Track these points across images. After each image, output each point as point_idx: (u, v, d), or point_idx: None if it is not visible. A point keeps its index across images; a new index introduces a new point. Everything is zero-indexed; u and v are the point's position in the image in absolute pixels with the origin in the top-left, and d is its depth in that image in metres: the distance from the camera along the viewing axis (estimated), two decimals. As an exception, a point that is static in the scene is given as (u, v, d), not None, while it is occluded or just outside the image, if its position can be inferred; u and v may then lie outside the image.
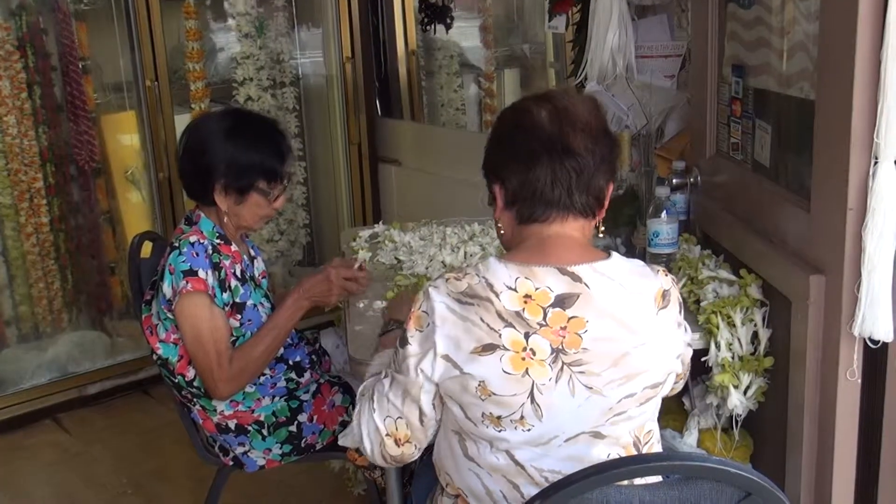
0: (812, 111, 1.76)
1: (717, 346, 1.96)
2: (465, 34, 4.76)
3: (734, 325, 1.96)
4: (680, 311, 1.59)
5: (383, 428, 1.58)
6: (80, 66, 3.82)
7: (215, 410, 2.32)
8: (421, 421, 1.56)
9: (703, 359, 1.99)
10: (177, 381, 2.28)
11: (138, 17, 3.65)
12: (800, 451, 1.85)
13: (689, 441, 2.11)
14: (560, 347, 1.45)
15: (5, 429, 3.64)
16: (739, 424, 2.03)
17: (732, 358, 1.96)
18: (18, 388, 3.75)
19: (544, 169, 1.48)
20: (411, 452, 1.61)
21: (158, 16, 3.69)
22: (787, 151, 1.99)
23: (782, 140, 2.00)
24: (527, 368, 1.44)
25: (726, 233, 2.20)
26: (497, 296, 1.46)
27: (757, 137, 2.09)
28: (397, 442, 1.59)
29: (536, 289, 1.47)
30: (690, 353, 1.74)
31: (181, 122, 3.86)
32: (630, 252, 2.38)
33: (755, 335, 1.97)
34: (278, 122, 2.49)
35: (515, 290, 1.46)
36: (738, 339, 1.96)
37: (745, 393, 1.97)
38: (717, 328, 1.96)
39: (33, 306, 3.86)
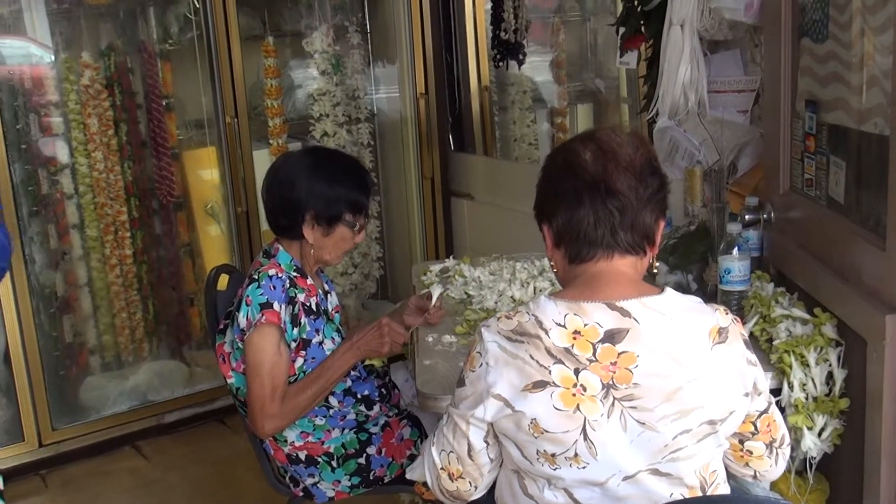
0: (887, 147, 1.73)
1: (791, 387, 1.92)
2: (537, 69, 4.79)
3: (808, 365, 1.92)
4: (748, 348, 1.56)
5: (438, 461, 1.62)
6: (164, 103, 3.97)
7: (286, 441, 2.36)
8: (470, 455, 1.58)
9: (775, 399, 1.95)
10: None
11: (220, 57, 3.77)
12: (877, 497, 1.79)
13: (762, 484, 2.07)
14: (611, 383, 1.45)
15: (87, 454, 3.76)
16: (814, 467, 1.98)
17: (806, 398, 1.92)
18: (100, 414, 3.87)
19: (586, 209, 1.51)
20: (466, 489, 1.62)
21: (239, 55, 3.80)
22: (862, 188, 1.95)
23: (857, 176, 1.97)
24: (578, 404, 1.45)
25: (800, 270, 2.16)
26: (546, 332, 1.47)
27: (831, 173, 2.05)
28: (451, 476, 1.62)
29: (585, 325, 1.47)
30: (762, 404, 1.65)
31: (259, 157, 3.97)
32: (701, 289, 2.36)
33: (830, 375, 1.93)
34: (359, 159, 2.55)
35: (564, 326, 1.48)
36: (812, 380, 1.92)
37: (819, 435, 1.92)
38: (790, 367, 1.92)
39: (116, 336, 3.99)
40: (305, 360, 2.30)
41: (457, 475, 1.61)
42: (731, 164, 2.62)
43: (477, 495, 1.64)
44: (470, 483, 1.62)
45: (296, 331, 2.26)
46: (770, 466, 1.70)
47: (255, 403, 2.24)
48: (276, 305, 2.21)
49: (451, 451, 1.60)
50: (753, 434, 1.65)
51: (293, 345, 2.27)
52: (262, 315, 2.19)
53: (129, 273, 3.95)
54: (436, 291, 2.38)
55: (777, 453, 1.70)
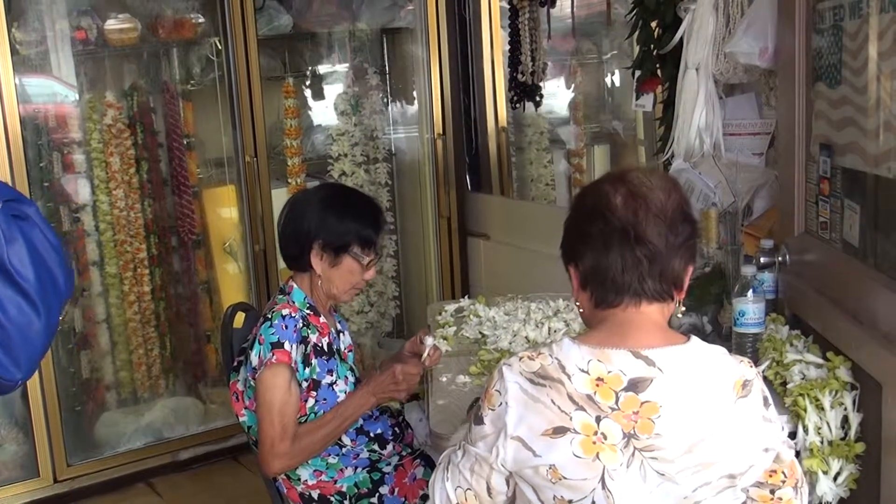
0: (901, 191, 1.73)
1: (805, 430, 1.91)
2: (555, 110, 4.82)
3: (823, 409, 1.90)
4: (766, 405, 1.55)
5: (454, 497, 1.59)
6: (185, 142, 4.01)
7: (299, 480, 2.36)
8: (489, 493, 1.57)
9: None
10: (262, 449, 2.34)
11: (241, 97, 3.82)
12: (894, 543, 1.77)
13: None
14: (632, 432, 1.44)
15: (101, 491, 3.75)
16: (830, 513, 1.96)
17: (821, 442, 1.90)
18: (115, 451, 3.87)
19: (615, 256, 1.48)
20: None
21: (259, 95, 3.85)
22: (877, 232, 1.95)
23: (872, 220, 1.97)
24: (598, 453, 1.44)
25: (815, 313, 2.15)
26: (569, 378, 1.46)
27: (845, 217, 2.05)
28: None
29: (609, 372, 1.46)
30: (789, 454, 1.65)
31: (278, 196, 4.01)
32: (716, 331, 2.35)
33: (845, 419, 1.91)
34: (376, 197, 2.59)
35: (588, 372, 1.46)
36: (828, 423, 1.90)
37: (835, 479, 1.90)
38: (805, 411, 1.91)
39: (133, 372, 4.00)
40: (317, 401, 2.31)
41: None
42: (747, 206, 2.62)
43: None
44: None
45: (307, 371, 2.27)
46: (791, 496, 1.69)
47: (265, 442, 2.25)
48: (287, 345, 2.23)
49: (469, 489, 1.57)
50: (784, 482, 1.63)
51: (304, 384, 2.28)
52: (273, 354, 2.21)
53: (147, 310, 3.98)
54: (428, 343, 2.39)
55: (801, 493, 1.69)
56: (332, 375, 2.34)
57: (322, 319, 2.37)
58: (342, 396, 2.34)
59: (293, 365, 2.23)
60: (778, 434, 1.59)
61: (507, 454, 1.50)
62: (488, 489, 1.56)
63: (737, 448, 1.49)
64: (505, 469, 1.53)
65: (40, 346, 1.62)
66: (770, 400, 1.57)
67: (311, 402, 2.30)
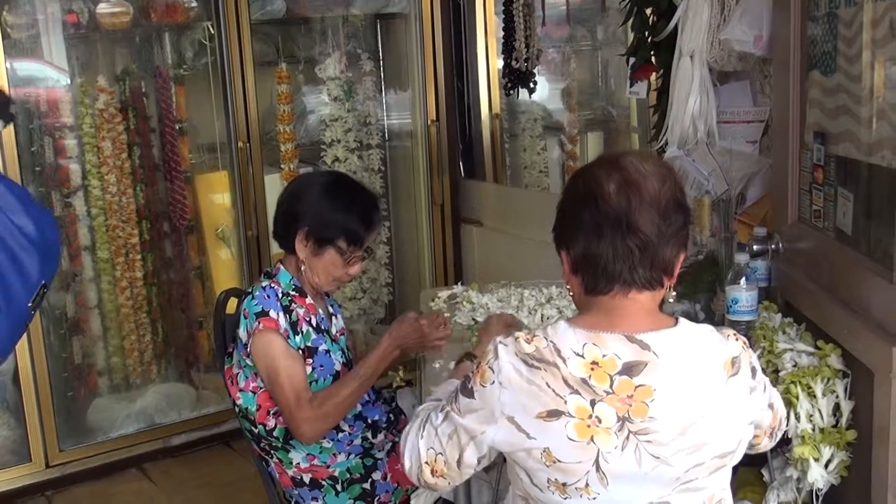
0: (895, 180, 1.73)
1: (797, 418, 1.91)
2: (548, 97, 4.81)
3: (814, 396, 1.91)
4: (753, 376, 1.56)
5: (424, 455, 1.59)
6: (178, 127, 4.00)
7: (291, 464, 2.37)
8: (458, 465, 1.57)
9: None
10: (257, 431, 2.33)
11: (233, 82, 3.81)
12: (884, 530, 1.78)
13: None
14: (626, 416, 1.44)
15: (93, 476, 3.76)
16: (821, 499, 1.97)
17: (813, 430, 1.91)
18: (107, 436, 3.87)
19: (606, 244, 1.47)
20: (444, 486, 1.62)
21: (252, 80, 3.84)
22: (870, 220, 1.95)
23: (865, 208, 1.97)
24: (592, 436, 1.44)
25: (808, 301, 2.15)
26: (564, 361, 1.46)
27: (839, 205, 2.05)
28: (433, 472, 1.60)
29: (604, 356, 1.46)
30: (769, 415, 1.67)
31: (271, 181, 4.00)
32: (709, 319, 2.36)
33: (837, 407, 1.92)
34: (377, 196, 2.55)
35: (583, 356, 1.46)
36: (819, 411, 1.91)
37: (826, 466, 1.90)
38: (797, 399, 1.91)
39: (125, 358, 4.00)
40: (314, 369, 2.30)
41: (439, 474, 1.59)
42: (740, 194, 2.63)
43: (448, 490, 1.65)
44: (448, 483, 1.61)
45: (298, 338, 2.27)
46: (766, 446, 1.74)
47: (285, 413, 2.24)
48: (272, 313, 2.23)
49: (441, 454, 1.57)
50: (758, 438, 1.68)
51: (298, 352, 2.27)
52: (259, 323, 2.21)
53: (139, 295, 3.97)
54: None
55: (775, 435, 1.73)
56: (325, 346, 2.34)
57: (308, 300, 2.36)
58: (337, 365, 2.34)
59: (282, 332, 2.23)
60: (760, 398, 1.59)
61: (500, 435, 1.50)
62: (458, 460, 1.56)
63: (728, 427, 1.50)
64: (487, 447, 1.52)
65: (6, 334, 1.61)
66: (758, 370, 1.58)
67: (307, 370, 2.29)
